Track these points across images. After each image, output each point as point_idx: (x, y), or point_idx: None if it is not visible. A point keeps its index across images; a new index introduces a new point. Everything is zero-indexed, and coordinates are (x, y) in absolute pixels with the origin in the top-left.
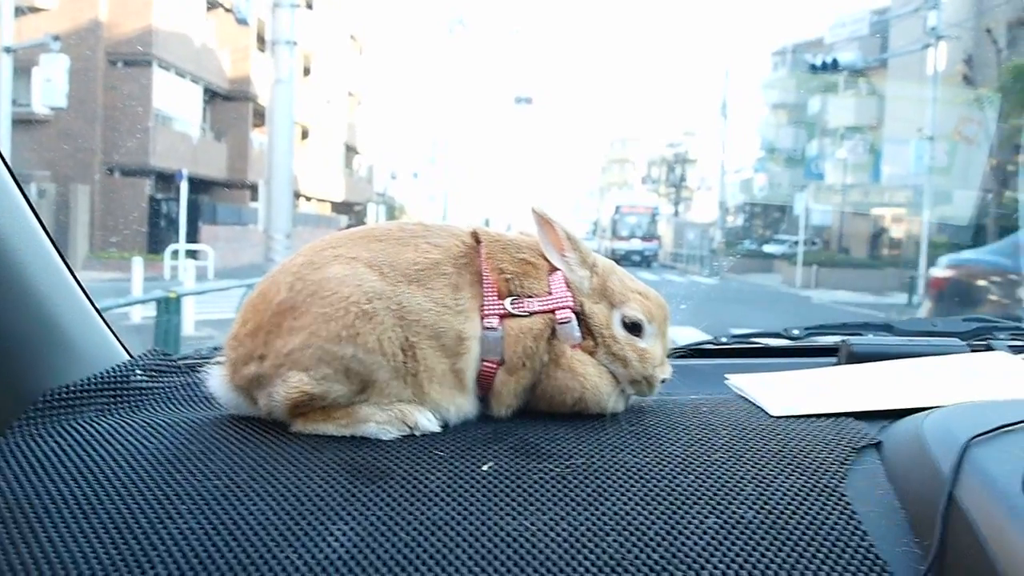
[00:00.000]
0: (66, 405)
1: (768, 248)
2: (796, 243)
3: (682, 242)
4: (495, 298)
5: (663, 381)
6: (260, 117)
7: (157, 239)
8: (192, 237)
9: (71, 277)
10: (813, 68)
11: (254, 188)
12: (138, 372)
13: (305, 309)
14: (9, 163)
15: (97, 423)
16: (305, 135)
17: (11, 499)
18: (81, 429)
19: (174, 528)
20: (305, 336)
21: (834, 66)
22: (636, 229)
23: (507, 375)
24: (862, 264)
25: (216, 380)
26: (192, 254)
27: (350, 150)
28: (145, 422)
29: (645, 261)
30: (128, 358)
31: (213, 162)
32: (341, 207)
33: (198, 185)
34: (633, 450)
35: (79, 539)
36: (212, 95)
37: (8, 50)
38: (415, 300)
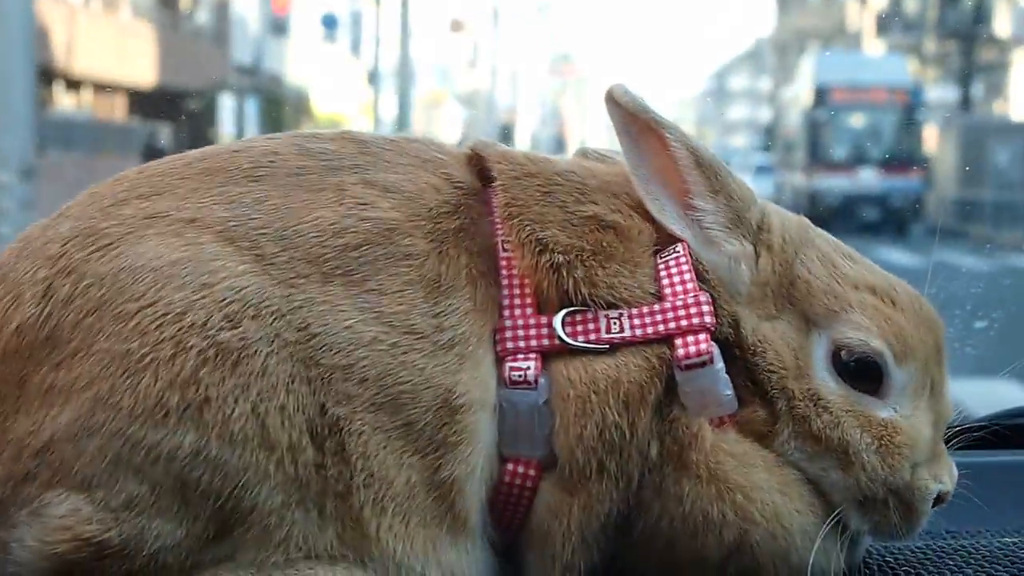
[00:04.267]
0: None
1: None
2: None
3: (984, 174)
4: (530, 311)
5: (938, 501)
6: None
7: None
8: None
9: None
10: None
11: None
12: None
13: (81, 343)
14: None
15: None
16: None
17: None
18: None
19: None
20: (83, 407)
21: None
22: (867, 142)
23: (563, 493)
24: None
25: None
26: None
27: None
28: None
29: (891, 219)
30: None
31: None
32: (153, 102)
33: None
34: None
35: None
36: None
37: None
38: (341, 319)
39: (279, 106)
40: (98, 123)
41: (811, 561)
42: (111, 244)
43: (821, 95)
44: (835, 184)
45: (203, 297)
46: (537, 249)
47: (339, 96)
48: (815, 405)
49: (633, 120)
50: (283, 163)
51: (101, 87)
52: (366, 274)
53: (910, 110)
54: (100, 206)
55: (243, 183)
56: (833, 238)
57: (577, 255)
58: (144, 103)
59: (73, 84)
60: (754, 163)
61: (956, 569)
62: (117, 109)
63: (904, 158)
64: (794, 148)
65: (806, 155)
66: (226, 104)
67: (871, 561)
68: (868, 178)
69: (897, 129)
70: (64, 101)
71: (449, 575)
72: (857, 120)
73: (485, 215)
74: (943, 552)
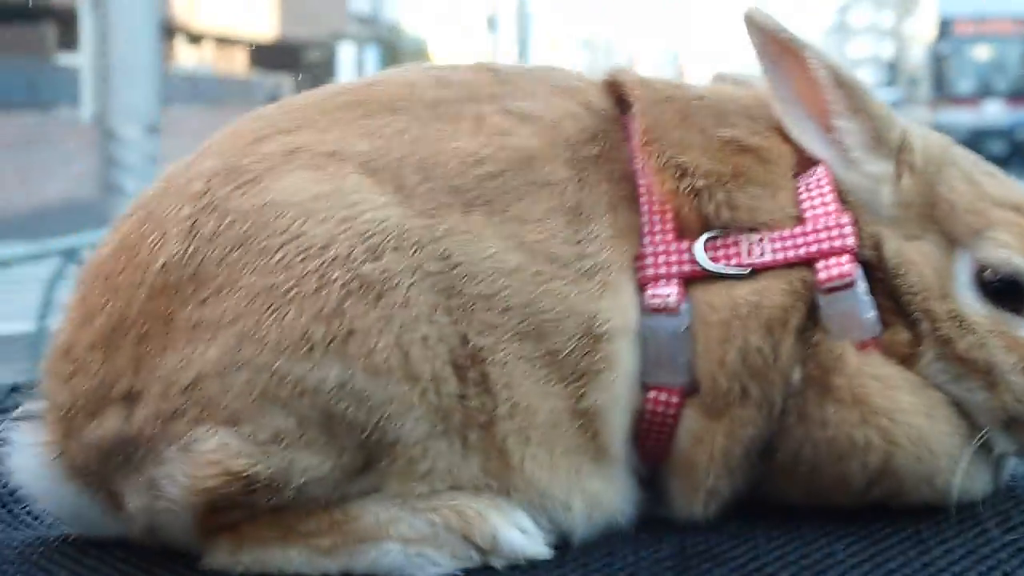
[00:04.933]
0: None
1: None
2: None
3: None
4: (670, 236)
5: None
6: None
7: None
8: None
9: None
10: None
11: (64, 19)
12: None
13: (226, 279)
14: None
15: None
16: None
17: None
18: None
19: None
20: (229, 342)
21: None
22: (995, 74)
23: (706, 419)
24: None
25: (27, 458)
26: None
27: None
28: None
29: (1018, 152)
30: None
31: None
32: (275, 54)
33: None
34: None
35: None
36: None
37: None
38: (483, 247)
39: (398, 55)
40: (220, 77)
41: (957, 484)
42: (254, 180)
43: (944, 28)
44: (961, 118)
45: (345, 230)
46: (677, 174)
47: (458, 42)
48: (959, 326)
49: (772, 41)
50: (421, 94)
51: (222, 40)
52: (507, 203)
53: None
54: (242, 143)
55: (382, 115)
56: (974, 156)
57: (717, 179)
58: (264, 56)
59: (195, 38)
60: (884, 99)
61: None
62: (238, 62)
63: None
64: (919, 82)
65: (931, 85)
66: (345, 54)
67: (1015, 484)
68: (994, 111)
69: (1023, 60)
70: (186, 55)
71: (593, 504)
72: (982, 52)
73: (624, 141)
74: None
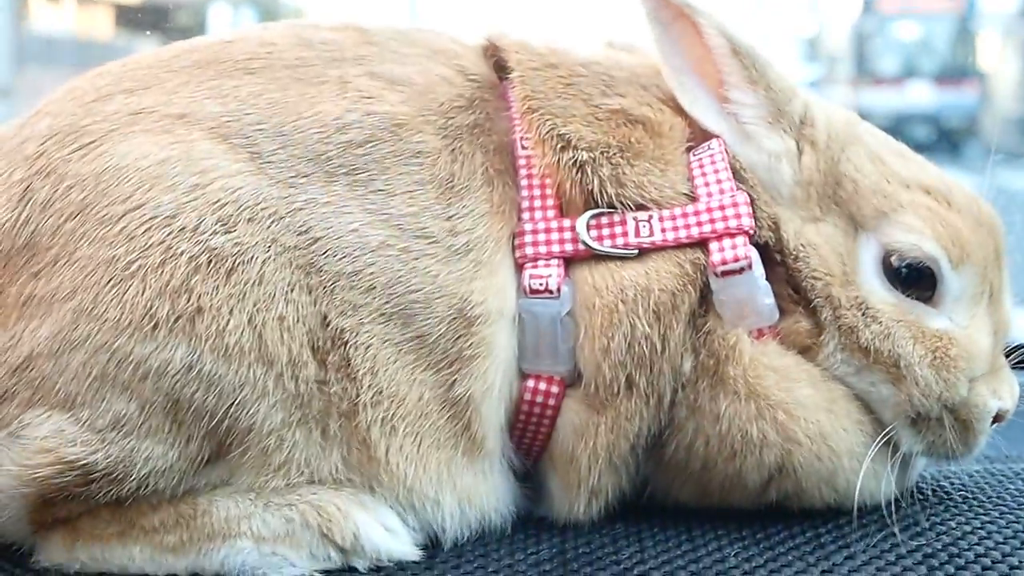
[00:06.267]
0: None
1: None
2: None
3: None
4: (551, 213)
5: (998, 420)
6: None
7: None
8: None
9: None
10: None
11: None
12: None
13: (62, 249)
14: None
15: None
16: None
17: None
18: None
19: None
20: (65, 318)
21: None
22: (922, 54)
23: (589, 412)
24: None
25: None
26: None
27: None
28: None
29: (944, 139)
30: None
31: None
32: (141, 16)
33: None
34: None
35: None
36: None
37: None
38: (346, 221)
39: (275, 19)
40: (81, 39)
41: (859, 485)
42: (94, 142)
43: (868, 3)
44: (884, 100)
45: (194, 199)
46: (559, 145)
47: (339, 7)
48: (863, 314)
49: (664, 5)
50: (281, 54)
51: (84, 0)
52: (373, 173)
53: (965, 19)
54: (81, 101)
55: (237, 76)
56: (883, 134)
57: (603, 152)
58: (130, 17)
59: None
60: (803, 78)
61: (1018, 494)
62: (101, 24)
63: (958, 72)
64: (838, 60)
65: (852, 66)
66: (218, 16)
67: (924, 486)
68: (920, 94)
69: (952, 39)
70: (44, 15)
71: (465, 501)
72: (907, 30)
73: (502, 110)
74: (1003, 476)
